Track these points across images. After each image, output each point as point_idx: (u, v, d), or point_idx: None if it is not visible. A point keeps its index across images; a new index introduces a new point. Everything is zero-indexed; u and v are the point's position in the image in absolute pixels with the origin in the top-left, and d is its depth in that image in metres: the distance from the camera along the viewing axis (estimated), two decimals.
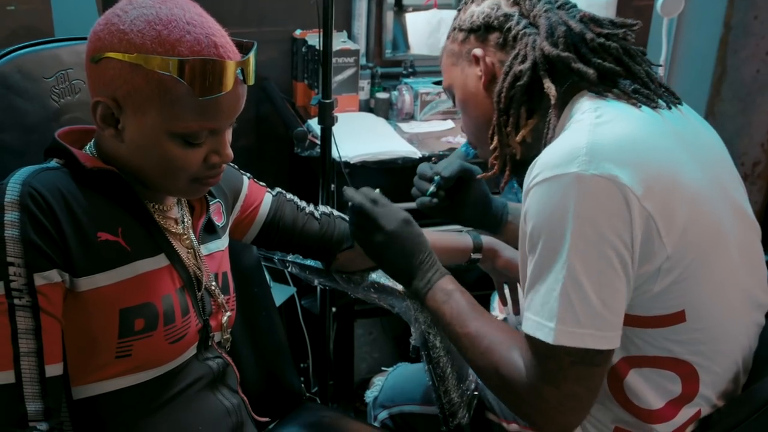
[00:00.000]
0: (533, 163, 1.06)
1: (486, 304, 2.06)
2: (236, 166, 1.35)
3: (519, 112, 1.17)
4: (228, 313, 1.19)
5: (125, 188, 1.06)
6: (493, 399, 1.39)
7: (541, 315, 1.03)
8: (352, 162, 2.05)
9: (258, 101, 2.50)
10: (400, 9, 2.56)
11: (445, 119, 2.44)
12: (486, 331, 1.15)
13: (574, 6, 1.21)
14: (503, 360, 1.10)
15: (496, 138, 1.21)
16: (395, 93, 2.46)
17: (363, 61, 2.47)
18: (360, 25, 2.50)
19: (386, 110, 2.45)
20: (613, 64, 1.13)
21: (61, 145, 1.06)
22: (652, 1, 2.33)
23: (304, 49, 2.39)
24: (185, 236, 1.15)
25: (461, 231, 1.50)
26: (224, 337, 1.20)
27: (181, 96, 0.97)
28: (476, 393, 1.40)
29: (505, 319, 1.64)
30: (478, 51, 1.21)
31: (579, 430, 1.20)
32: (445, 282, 1.25)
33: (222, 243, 1.24)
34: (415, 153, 2.16)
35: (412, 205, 1.44)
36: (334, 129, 1.82)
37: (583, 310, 1.00)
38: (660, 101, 1.13)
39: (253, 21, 2.44)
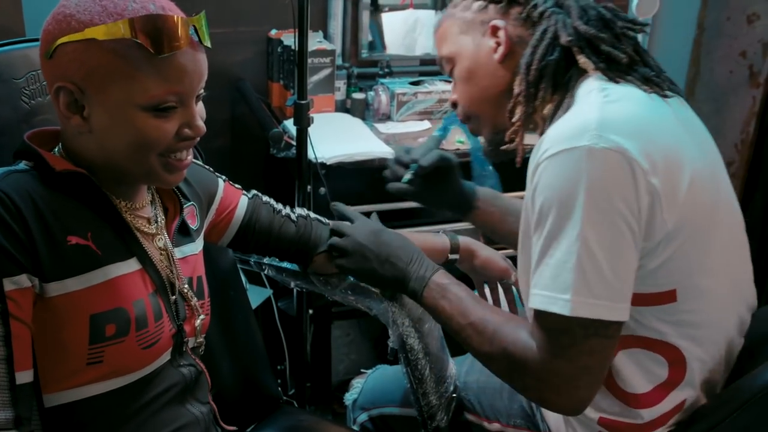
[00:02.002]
0: (541, 138, 1.08)
1: None
2: (211, 169, 1.33)
3: (548, 86, 1.18)
4: (201, 317, 1.18)
5: (95, 190, 1.04)
6: (474, 399, 1.38)
7: (552, 288, 1.04)
8: (328, 163, 2.03)
9: (233, 102, 2.48)
10: (376, 9, 2.55)
11: (421, 120, 2.43)
12: (489, 317, 1.15)
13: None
14: (511, 341, 1.10)
15: (520, 110, 1.21)
16: (371, 93, 2.45)
17: (339, 61, 2.45)
18: (336, 25, 2.48)
19: (362, 111, 2.44)
20: (633, 53, 1.17)
21: (30, 148, 1.04)
22: (626, 2, 2.34)
23: (279, 50, 2.37)
24: (158, 236, 1.13)
25: (437, 232, 1.50)
26: (197, 340, 1.18)
27: (138, 61, 0.96)
28: (455, 395, 1.40)
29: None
30: (499, 22, 1.21)
31: (563, 425, 1.21)
32: (438, 277, 1.25)
33: (196, 246, 1.22)
34: (392, 153, 2.14)
35: (389, 206, 1.44)
36: (311, 130, 1.81)
37: (597, 281, 1.01)
38: (668, 92, 1.17)
39: (228, 21, 2.42)
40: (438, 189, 1.46)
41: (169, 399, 1.13)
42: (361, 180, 2.08)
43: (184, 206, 1.20)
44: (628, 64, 1.16)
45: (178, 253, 1.16)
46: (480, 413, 1.37)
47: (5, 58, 1.25)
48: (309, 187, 1.92)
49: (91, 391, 1.03)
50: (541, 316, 1.06)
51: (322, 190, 1.98)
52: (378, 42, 2.59)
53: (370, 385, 1.59)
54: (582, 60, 1.15)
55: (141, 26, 0.95)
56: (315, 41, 2.34)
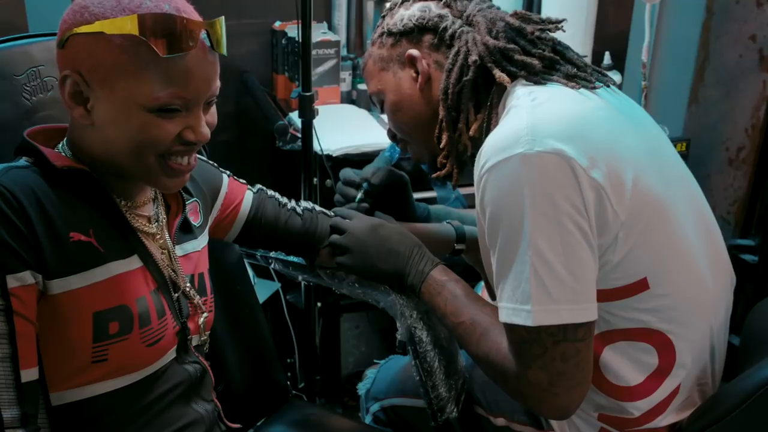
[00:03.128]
0: (479, 152, 1.08)
1: None
2: (215, 164, 1.32)
3: (468, 107, 1.19)
4: (205, 314, 1.17)
5: (96, 187, 1.04)
6: (480, 393, 1.38)
7: (514, 300, 1.04)
8: (334, 155, 2.02)
9: (238, 94, 2.47)
10: (380, 0, 2.53)
11: None
12: (479, 319, 1.16)
13: (500, 8, 1.26)
14: (494, 349, 1.11)
15: (445, 136, 1.23)
16: None
17: (344, 52, 2.44)
18: (340, 15, 2.47)
19: (368, 102, 2.42)
20: (551, 54, 1.17)
21: (31, 144, 1.03)
22: None
23: (284, 41, 2.36)
24: (159, 236, 1.12)
25: (443, 222, 1.49)
26: (202, 338, 1.18)
27: (144, 60, 0.94)
28: (464, 387, 1.39)
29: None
30: (414, 51, 1.23)
31: (566, 423, 1.20)
32: (437, 273, 1.25)
33: (199, 243, 1.21)
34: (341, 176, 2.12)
35: None
36: (316, 122, 1.80)
37: (555, 286, 1.02)
38: (597, 82, 1.18)
39: (232, 13, 2.40)
40: (391, 208, 1.45)
41: (174, 397, 1.12)
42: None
43: (187, 202, 1.19)
44: (548, 65, 1.16)
45: (180, 250, 1.15)
46: (486, 407, 1.36)
47: (6, 55, 1.24)
48: (315, 179, 1.91)
49: (98, 389, 1.02)
50: (509, 329, 1.07)
51: (329, 182, 1.97)
52: None
53: (383, 375, 1.59)
54: (498, 74, 1.15)
55: (150, 24, 0.94)
56: (319, 32, 2.32)
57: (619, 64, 2.48)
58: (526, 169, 1.01)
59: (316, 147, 1.85)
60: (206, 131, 1.02)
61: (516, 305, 1.04)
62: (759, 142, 2.38)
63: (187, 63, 0.96)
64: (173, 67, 0.96)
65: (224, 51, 1.01)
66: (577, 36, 2.34)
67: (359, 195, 1.41)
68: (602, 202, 1.03)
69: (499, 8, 1.26)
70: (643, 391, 1.14)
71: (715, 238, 1.23)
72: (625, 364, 1.14)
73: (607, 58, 2.33)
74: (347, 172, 1.46)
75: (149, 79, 0.95)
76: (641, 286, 1.09)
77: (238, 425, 1.29)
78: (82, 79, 0.97)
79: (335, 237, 1.33)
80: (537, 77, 1.14)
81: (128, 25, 0.94)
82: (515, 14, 1.20)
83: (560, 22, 1.22)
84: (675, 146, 2.27)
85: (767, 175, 2.38)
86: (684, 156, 2.32)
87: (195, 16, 1.00)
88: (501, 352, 1.09)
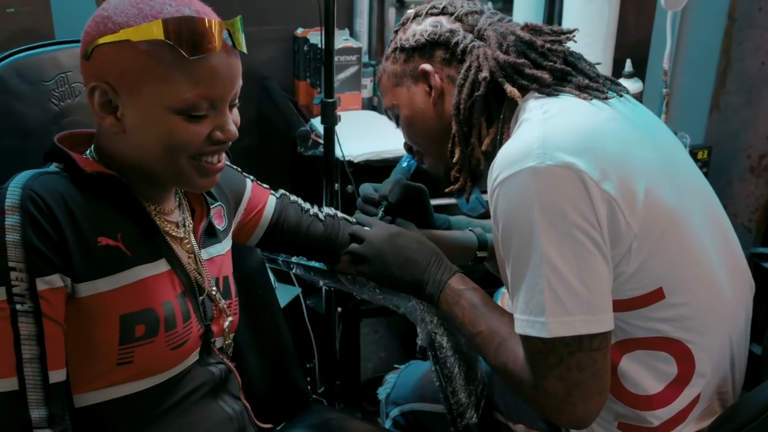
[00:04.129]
0: (491, 165, 1.09)
1: None
2: (239, 169, 1.34)
3: (480, 122, 1.20)
4: (230, 318, 1.18)
5: (125, 193, 1.05)
6: (499, 399, 1.38)
7: (529, 312, 1.05)
8: (356, 161, 2.03)
9: (260, 100, 2.49)
10: (402, 5, 2.55)
11: None
12: (497, 328, 1.16)
13: (511, 20, 1.27)
14: (512, 359, 1.11)
15: (458, 151, 1.23)
16: None
17: (365, 59, 2.45)
18: (362, 22, 2.48)
19: None
20: (563, 65, 1.17)
21: (61, 150, 1.05)
22: None
23: (305, 48, 2.37)
24: (186, 240, 1.14)
25: (465, 230, 1.49)
26: (226, 342, 1.19)
27: (171, 63, 0.96)
28: (484, 393, 1.39)
29: None
30: (427, 66, 1.23)
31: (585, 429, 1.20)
32: (455, 282, 1.25)
33: (223, 247, 1.23)
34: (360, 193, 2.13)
35: None
36: (338, 128, 1.81)
37: (569, 297, 1.02)
38: (609, 92, 1.18)
39: (253, 20, 2.42)
40: (411, 219, 1.45)
41: (200, 397, 1.13)
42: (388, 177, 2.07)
43: (212, 207, 1.21)
44: (560, 77, 1.16)
45: (205, 254, 1.17)
46: (505, 414, 1.36)
47: (35, 61, 1.26)
48: (336, 185, 1.92)
49: (120, 391, 1.03)
50: (525, 340, 1.07)
51: (350, 188, 1.98)
52: None
53: (403, 380, 1.60)
54: (509, 89, 1.16)
55: (174, 28, 0.96)
56: (341, 39, 2.33)
57: (640, 72, 2.47)
58: (537, 183, 1.02)
59: (337, 153, 1.86)
60: (234, 129, 1.04)
61: (530, 317, 1.05)
62: None
63: (212, 63, 0.98)
64: (199, 68, 0.97)
65: (245, 49, 1.03)
66: (597, 44, 2.34)
67: (380, 213, 1.42)
68: (615, 214, 1.03)
69: (510, 20, 1.26)
70: (663, 400, 1.14)
71: (733, 247, 1.22)
72: (644, 373, 1.13)
73: (628, 66, 2.33)
74: (366, 188, 1.47)
75: (176, 81, 0.97)
76: (657, 296, 1.09)
77: (269, 425, 1.30)
78: (111, 87, 0.98)
79: (354, 246, 1.34)
80: (549, 89, 1.15)
81: (154, 31, 0.95)
82: (526, 27, 1.20)
83: (571, 32, 1.22)
84: (696, 154, 2.28)
85: None
86: (705, 163, 2.31)
87: (214, 16, 1.02)
88: (518, 362, 1.10)
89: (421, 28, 1.25)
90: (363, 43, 2.46)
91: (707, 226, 1.16)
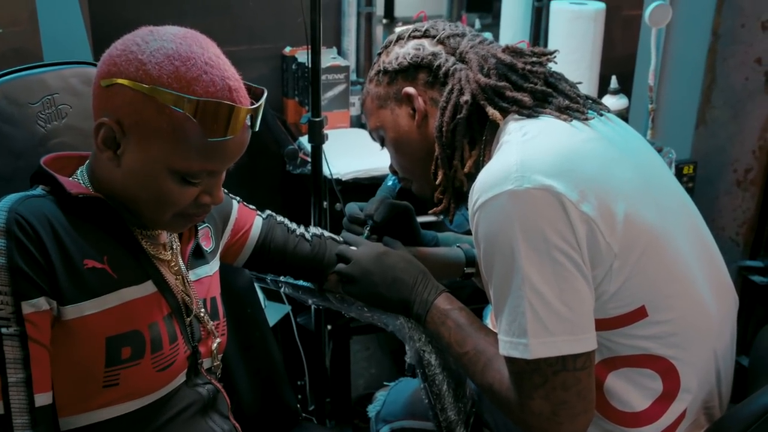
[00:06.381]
0: (471, 189, 1.10)
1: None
2: (226, 191, 1.34)
3: (462, 144, 1.21)
4: (218, 340, 1.18)
5: (112, 215, 1.06)
6: (489, 416, 1.38)
7: (511, 334, 1.06)
8: (344, 179, 2.04)
9: None
10: (390, 22, 2.56)
11: None
12: (483, 348, 1.16)
13: (493, 41, 1.28)
14: (498, 379, 1.12)
15: (441, 173, 1.24)
16: None
17: (353, 77, 2.47)
18: (349, 40, 2.50)
19: None
20: (543, 87, 1.18)
21: (46, 172, 1.05)
22: (640, 11, 2.33)
23: (294, 67, 2.38)
24: (173, 262, 1.14)
25: (453, 246, 1.49)
26: (214, 363, 1.19)
27: (190, 135, 0.97)
28: (473, 410, 1.39)
29: None
30: (410, 89, 1.24)
31: None
32: (441, 301, 1.25)
33: (210, 268, 1.23)
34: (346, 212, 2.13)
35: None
36: (326, 146, 1.82)
37: (551, 318, 1.03)
38: (590, 112, 1.19)
39: (243, 39, 2.44)
40: (398, 237, 1.45)
41: (188, 417, 1.13)
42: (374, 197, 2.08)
43: (199, 228, 1.21)
44: (540, 98, 1.17)
45: (193, 275, 1.17)
46: (495, 430, 1.36)
47: (22, 83, 1.26)
48: (325, 203, 1.92)
49: (107, 414, 1.03)
50: (509, 361, 1.08)
51: (338, 205, 1.99)
52: None
53: (393, 397, 1.60)
54: (490, 112, 1.17)
55: (203, 109, 0.96)
56: (329, 57, 2.35)
57: (626, 88, 2.49)
58: (516, 206, 1.03)
59: (325, 171, 1.86)
60: (221, 195, 1.07)
61: (513, 338, 1.05)
62: (766, 163, 2.39)
63: (227, 144, 1.00)
64: (215, 146, 0.99)
65: (257, 128, 1.05)
66: (584, 60, 2.36)
67: (365, 233, 1.43)
68: (594, 235, 1.04)
69: (492, 42, 1.27)
70: (650, 417, 1.14)
71: (717, 263, 1.23)
72: (630, 390, 1.14)
73: (613, 82, 2.35)
74: (352, 208, 1.47)
75: (188, 152, 0.99)
76: (640, 314, 1.10)
77: None
78: (120, 129, 0.99)
79: (341, 266, 1.34)
80: (529, 111, 1.15)
81: (184, 106, 0.96)
82: (507, 49, 1.21)
83: (552, 53, 1.23)
84: (682, 168, 2.30)
85: None
86: (691, 178, 2.33)
87: (242, 94, 1.02)
88: (504, 382, 1.10)
89: (404, 51, 1.25)
90: (351, 62, 2.47)
91: (690, 243, 1.17)
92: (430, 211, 1.31)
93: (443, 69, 1.22)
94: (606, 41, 2.47)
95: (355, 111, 2.46)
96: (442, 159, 1.23)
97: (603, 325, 1.09)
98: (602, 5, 2.43)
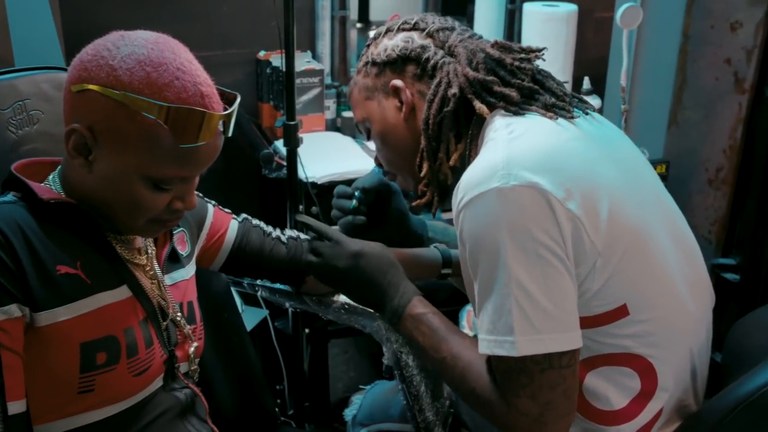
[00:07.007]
0: (456, 186, 1.09)
1: (455, 320, 2.06)
2: (201, 194, 1.34)
3: (449, 137, 1.21)
4: (195, 344, 1.18)
5: (85, 220, 1.05)
6: (467, 416, 1.38)
7: (496, 333, 1.05)
8: (319, 182, 2.04)
9: None
10: (365, 26, 2.57)
11: None
12: (459, 353, 1.15)
13: (482, 36, 1.27)
14: (478, 382, 1.10)
15: (426, 165, 1.24)
16: None
17: (328, 80, 2.47)
18: (324, 44, 2.50)
19: (353, 129, 2.45)
20: (530, 84, 1.18)
21: (18, 178, 1.05)
22: (611, 13, 2.36)
23: (268, 71, 2.38)
24: (148, 266, 1.13)
25: (430, 247, 1.50)
26: (192, 367, 1.19)
27: (162, 142, 0.96)
28: (451, 410, 1.40)
29: (475, 336, 1.64)
30: (398, 82, 1.24)
31: None
32: (413, 306, 1.23)
33: (187, 272, 1.23)
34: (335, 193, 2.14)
35: None
36: (302, 150, 1.82)
37: (538, 316, 1.02)
38: (576, 111, 1.19)
39: (217, 44, 2.43)
40: (385, 221, 1.46)
41: (166, 422, 1.12)
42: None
43: (174, 232, 1.21)
44: (527, 95, 1.17)
45: (168, 279, 1.17)
46: (473, 430, 1.37)
47: None
48: (301, 206, 1.92)
49: (83, 420, 1.03)
50: (494, 360, 1.07)
51: (314, 209, 1.99)
52: None
53: (369, 400, 1.59)
54: (478, 106, 1.17)
55: (175, 116, 0.96)
56: (303, 61, 2.35)
57: (599, 89, 2.52)
58: (503, 204, 1.02)
59: (301, 175, 1.86)
60: (194, 200, 1.07)
61: (498, 337, 1.04)
62: (737, 162, 2.42)
63: (199, 149, 1.00)
64: (187, 152, 0.99)
65: (231, 134, 1.05)
66: (557, 62, 2.38)
67: (353, 203, 1.43)
68: (579, 233, 1.04)
69: (481, 37, 1.27)
70: (627, 415, 1.15)
71: (696, 261, 1.24)
72: (609, 389, 1.14)
73: (586, 83, 2.37)
74: (340, 188, 1.48)
75: (160, 159, 0.98)
76: (621, 312, 1.10)
77: None
78: (92, 135, 0.98)
79: (313, 259, 1.30)
80: (516, 107, 1.16)
81: (155, 112, 0.95)
82: (496, 44, 1.21)
83: (540, 50, 1.23)
84: (655, 168, 2.32)
85: (746, 194, 2.41)
86: (664, 177, 2.35)
87: (215, 100, 1.02)
88: (487, 386, 1.09)
89: (392, 43, 1.26)
90: (325, 65, 2.48)
91: (670, 242, 1.17)
92: (414, 203, 1.31)
93: (432, 62, 1.22)
94: (579, 43, 2.49)
95: (330, 114, 2.46)
96: (427, 151, 1.23)
97: (585, 323, 1.09)
98: (574, 7, 2.45)
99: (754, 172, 2.39)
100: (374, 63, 1.27)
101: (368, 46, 1.31)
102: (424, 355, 1.21)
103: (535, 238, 1.02)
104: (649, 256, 1.11)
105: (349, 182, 2.06)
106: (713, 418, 1.12)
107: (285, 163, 1.86)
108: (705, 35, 2.41)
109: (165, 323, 1.12)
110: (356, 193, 1.44)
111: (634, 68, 2.44)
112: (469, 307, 2.04)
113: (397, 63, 1.24)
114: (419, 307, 1.23)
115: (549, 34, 2.35)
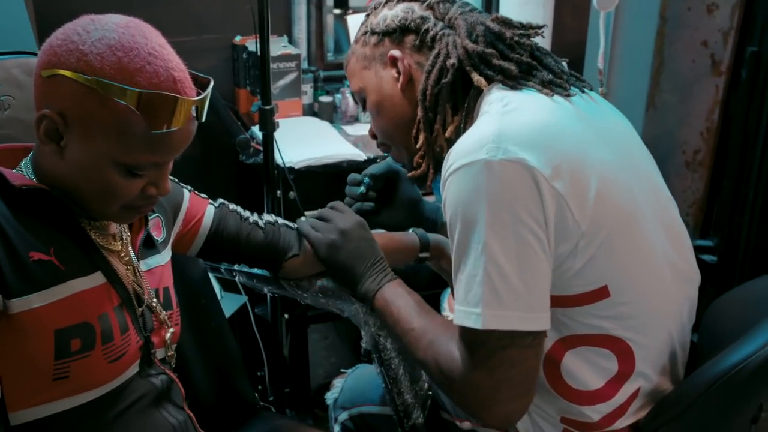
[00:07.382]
0: (448, 153, 1.09)
1: (436, 304, 2.07)
2: (176, 180, 1.33)
3: (445, 109, 1.20)
4: (171, 330, 1.17)
5: (58, 207, 1.04)
6: (445, 398, 1.39)
7: (466, 303, 1.05)
8: (296, 167, 2.03)
9: None
10: (342, 11, 2.56)
11: None
12: (429, 327, 1.16)
13: (482, 11, 1.27)
14: (441, 352, 1.11)
15: (422, 136, 1.24)
16: (338, 96, 2.45)
17: (305, 65, 2.46)
18: (300, 29, 2.49)
19: (330, 113, 2.44)
20: (529, 59, 1.18)
21: None
22: None
23: (244, 56, 2.37)
24: (123, 252, 1.12)
25: (408, 230, 1.50)
26: (168, 353, 1.18)
27: (134, 128, 0.95)
28: (430, 393, 1.40)
29: None
30: (396, 52, 1.24)
31: (528, 424, 1.22)
32: (394, 284, 1.26)
33: (162, 258, 1.22)
34: (361, 155, 2.15)
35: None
36: (279, 135, 1.81)
37: (507, 292, 1.02)
38: (572, 89, 1.19)
39: (192, 29, 2.41)
40: (396, 206, 1.47)
41: (142, 408, 1.12)
42: (330, 183, 2.08)
43: (150, 218, 1.20)
44: (525, 70, 1.17)
45: (144, 265, 1.16)
46: (452, 412, 1.37)
47: None
48: (278, 192, 1.91)
49: (58, 407, 1.02)
50: (461, 330, 1.07)
51: (292, 194, 1.98)
52: (345, 44, 2.60)
53: (350, 384, 1.60)
54: (476, 78, 1.17)
55: (147, 101, 0.94)
56: (280, 46, 2.34)
57: (576, 72, 2.51)
58: (488, 176, 1.02)
59: (278, 159, 1.85)
60: (168, 186, 1.06)
61: (467, 308, 1.05)
62: (714, 145, 2.44)
63: (172, 135, 0.99)
64: (159, 138, 0.98)
65: (204, 119, 1.04)
66: None
67: (362, 188, 1.45)
68: (563, 212, 1.04)
69: (481, 12, 1.27)
70: (603, 396, 1.16)
71: (683, 247, 1.24)
72: (586, 369, 1.15)
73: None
74: (352, 175, 1.50)
75: (133, 145, 0.97)
76: (602, 293, 1.10)
77: None
78: (63, 121, 0.97)
79: (326, 210, 1.36)
80: (513, 82, 1.15)
81: (126, 97, 0.94)
82: (496, 18, 1.21)
83: (540, 27, 1.23)
84: None
85: (723, 177, 2.43)
86: None
87: (188, 85, 1.01)
88: (448, 355, 1.09)
89: (392, 13, 1.25)
90: (302, 50, 2.47)
91: (658, 226, 1.17)
92: (409, 175, 1.31)
93: (431, 33, 1.21)
94: (556, 26, 2.50)
95: (307, 99, 2.45)
96: (424, 122, 1.22)
97: (565, 302, 1.10)
98: None
99: (731, 154, 2.40)
100: (373, 32, 1.26)
101: (368, 15, 1.30)
102: (395, 328, 1.22)
103: (516, 215, 1.02)
104: (634, 239, 1.11)
105: (326, 168, 2.08)
106: (688, 397, 1.13)
107: (261, 149, 1.85)
108: (682, 17, 2.41)
109: (140, 309, 1.12)
110: (365, 180, 1.44)
111: (611, 51, 2.44)
112: (449, 291, 2.05)
113: (396, 33, 1.24)
114: (399, 286, 1.26)
115: (526, 17, 2.33)
